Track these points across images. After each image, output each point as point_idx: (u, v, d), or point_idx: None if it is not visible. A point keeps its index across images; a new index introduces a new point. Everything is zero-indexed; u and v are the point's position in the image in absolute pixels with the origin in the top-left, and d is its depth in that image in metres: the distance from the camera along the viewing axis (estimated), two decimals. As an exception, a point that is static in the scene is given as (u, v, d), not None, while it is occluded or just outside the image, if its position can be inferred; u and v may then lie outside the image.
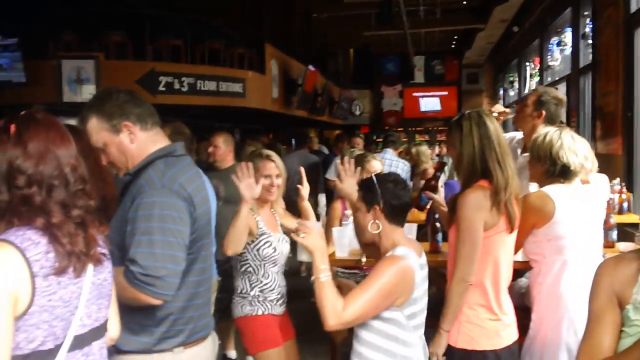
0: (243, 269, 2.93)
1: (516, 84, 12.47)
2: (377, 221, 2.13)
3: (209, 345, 2.06)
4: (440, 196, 2.98)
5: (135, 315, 1.81)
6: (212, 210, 2.20)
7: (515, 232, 2.43)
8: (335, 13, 11.77)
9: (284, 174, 3.07)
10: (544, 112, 3.33)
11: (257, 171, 2.86)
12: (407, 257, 2.05)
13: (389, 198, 2.12)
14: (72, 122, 1.93)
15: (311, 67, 11.21)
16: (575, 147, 2.60)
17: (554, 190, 2.56)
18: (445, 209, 2.83)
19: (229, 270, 3.24)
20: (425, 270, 2.19)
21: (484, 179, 2.36)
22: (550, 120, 3.31)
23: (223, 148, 4.18)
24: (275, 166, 3.01)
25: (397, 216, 2.16)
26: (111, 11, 8.06)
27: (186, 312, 1.93)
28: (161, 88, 7.59)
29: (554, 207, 2.52)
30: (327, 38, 14.10)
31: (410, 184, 6.48)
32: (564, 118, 3.47)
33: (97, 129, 1.91)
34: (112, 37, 7.87)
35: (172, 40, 8.24)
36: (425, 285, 2.17)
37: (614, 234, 3.63)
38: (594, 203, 2.71)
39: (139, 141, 1.92)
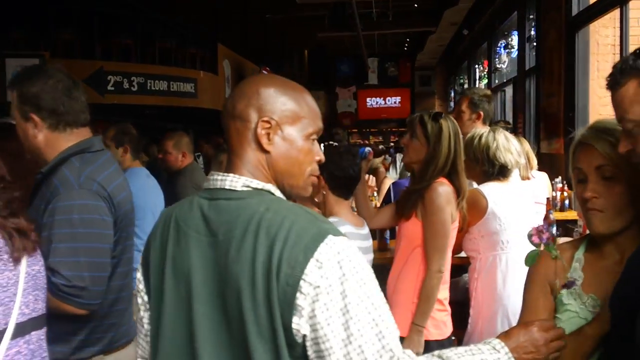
0: None
1: (466, 86, 12.74)
2: (322, 191, 2.17)
3: (131, 352, 1.89)
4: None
5: (50, 322, 1.71)
6: (135, 210, 2.07)
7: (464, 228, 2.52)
8: (290, 14, 11.77)
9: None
10: (481, 113, 3.43)
11: (221, 165, 2.79)
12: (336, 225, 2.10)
13: (332, 169, 2.15)
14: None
15: (265, 69, 11.20)
16: (509, 146, 2.70)
17: (487, 187, 2.65)
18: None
19: None
20: (366, 242, 2.24)
21: (445, 177, 2.42)
22: (487, 118, 3.42)
23: (174, 153, 4.08)
24: None
25: (339, 187, 2.21)
26: (60, 9, 7.87)
27: (107, 319, 1.81)
28: (110, 87, 7.46)
29: (487, 203, 2.61)
30: (282, 39, 14.10)
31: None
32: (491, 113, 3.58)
33: (13, 105, 1.77)
34: (61, 35, 7.69)
35: (122, 38, 8.10)
36: (367, 257, 2.21)
37: (554, 230, 3.77)
38: (529, 199, 2.81)
39: (44, 137, 1.76)
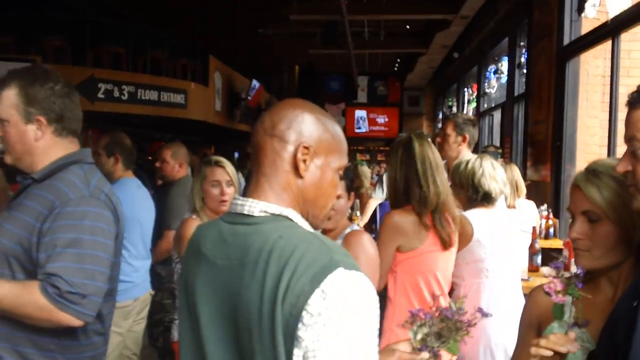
0: None
1: (454, 109, 12.85)
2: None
3: None
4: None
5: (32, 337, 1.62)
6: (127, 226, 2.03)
7: (453, 249, 2.51)
8: (282, 30, 11.83)
9: (236, 182, 2.81)
10: (467, 136, 3.46)
11: (205, 178, 2.72)
12: None
13: None
14: None
15: (255, 82, 11.21)
16: (495, 174, 2.73)
17: (473, 214, 2.67)
18: None
19: (172, 287, 3.10)
20: None
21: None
22: (472, 141, 3.46)
23: (171, 162, 4.05)
24: (225, 172, 2.75)
25: None
26: (52, 15, 7.84)
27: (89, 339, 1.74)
28: (100, 95, 7.41)
29: (472, 230, 2.63)
30: (273, 54, 14.14)
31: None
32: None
33: (9, 103, 1.70)
34: (52, 42, 7.65)
35: (113, 47, 8.07)
36: None
37: (539, 259, 3.80)
38: (514, 227, 2.83)
39: (45, 142, 1.71)
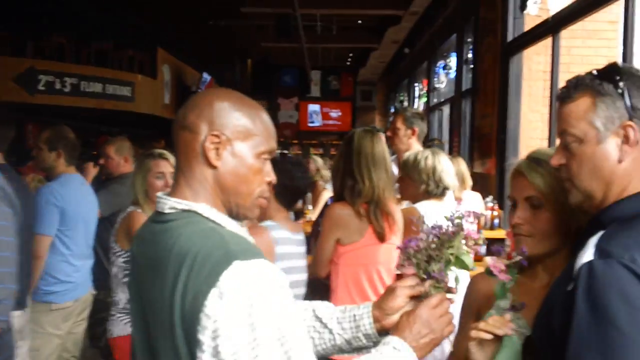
0: (127, 278, 2.76)
1: (406, 103, 12.97)
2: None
3: None
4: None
5: None
6: (67, 220, 1.93)
7: (393, 242, 2.53)
8: (234, 22, 11.68)
9: None
10: (416, 129, 3.51)
11: (149, 171, 2.71)
12: (270, 229, 2.15)
13: (283, 177, 2.15)
14: None
15: (206, 75, 11.06)
16: (448, 168, 2.79)
17: (423, 206, 2.72)
18: None
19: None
20: (300, 248, 2.27)
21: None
22: (422, 135, 3.52)
23: (116, 158, 3.94)
24: (169, 164, 2.76)
25: (284, 196, 2.23)
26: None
27: None
28: (40, 87, 7.17)
29: (423, 222, 2.66)
30: (225, 46, 13.97)
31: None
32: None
33: None
34: (-12, 31, 7.36)
35: (55, 37, 7.81)
36: (295, 263, 2.25)
37: (483, 249, 3.87)
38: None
39: None
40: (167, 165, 2.76)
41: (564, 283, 1.26)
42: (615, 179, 1.29)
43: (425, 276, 1.34)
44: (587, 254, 1.19)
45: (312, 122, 18.22)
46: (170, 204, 1.14)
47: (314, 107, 18.16)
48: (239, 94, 1.23)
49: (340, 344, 1.33)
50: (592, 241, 1.22)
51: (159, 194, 1.18)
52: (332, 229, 2.45)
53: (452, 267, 1.35)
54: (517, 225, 1.51)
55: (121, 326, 2.73)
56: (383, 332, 1.32)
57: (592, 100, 1.30)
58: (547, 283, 1.47)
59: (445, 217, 1.41)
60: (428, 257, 1.36)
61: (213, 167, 1.16)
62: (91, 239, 3.37)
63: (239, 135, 1.17)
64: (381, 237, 2.48)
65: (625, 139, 1.27)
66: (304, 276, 2.36)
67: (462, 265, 1.35)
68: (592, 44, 4.84)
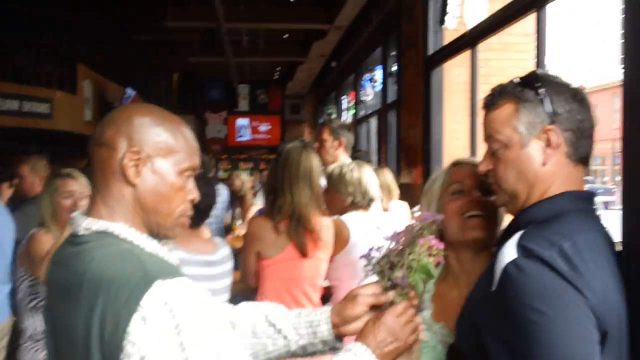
0: (34, 304, 2.63)
1: (335, 116, 13.10)
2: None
3: None
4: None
5: None
6: None
7: (318, 258, 2.54)
8: (158, 36, 11.47)
9: None
10: (343, 140, 3.56)
11: (57, 191, 2.62)
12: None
13: None
14: None
15: (130, 90, 10.78)
16: (373, 179, 2.85)
17: (349, 217, 2.75)
18: None
19: None
20: (209, 269, 2.23)
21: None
22: (349, 146, 3.57)
23: (29, 178, 3.75)
24: (77, 183, 2.67)
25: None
26: None
27: None
28: (-49, 105, 6.78)
29: (349, 233, 2.70)
30: (149, 61, 13.68)
31: (228, 213, 6.48)
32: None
33: None
34: None
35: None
36: (213, 284, 2.21)
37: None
38: (389, 229, 2.93)
39: None
40: (75, 185, 2.67)
41: (485, 284, 1.29)
42: (538, 181, 1.34)
43: (388, 284, 1.34)
44: (509, 254, 1.22)
45: (241, 137, 18.08)
46: (84, 224, 1.09)
47: (242, 122, 18.03)
48: (160, 109, 1.20)
49: (295, 350, 1.32)
50: (512, 242, 1.25)
51: (74, 214, 1.12)
52: (251, 243, 2.47)
53: (416, 275, 1.35)
54: (471, 209, 1.53)
55: (30, 355, 2.60)
56: (340, 338, 1.32)
57: (515, 107, 1.35)
58: (466, 293, 1.50)
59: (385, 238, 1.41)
60: (390, 264, 1.36)
61: (132, 184, 1.11)
62: (7, 264, 3.19)
63: (160, 151, 1.13)
64: (302, 253, 2.49)
65: (548, 143, 1.33)
66: (219, 299, 2.29)
67: (425, 272, 1.35)
68: (509, 56, 5.05)
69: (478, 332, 1.26)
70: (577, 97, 1.37)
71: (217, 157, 16.94)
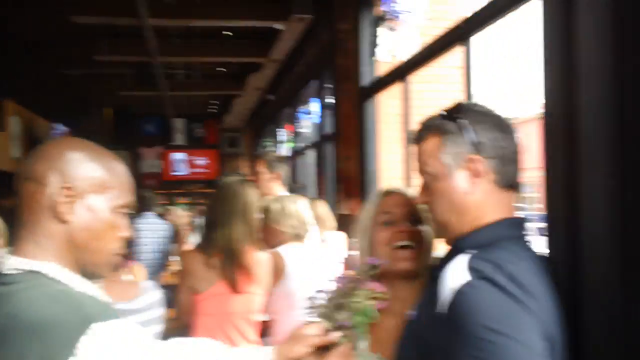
0: None
1: (273, 149, 13.10)
2: None
3: None
4: None
5: None
6: None
7: (251, 292, 2.52)
8: (89, 71, 11.22)
9: (5, 236, 2.61)
10: (278, 173, 3.57)
11: None
12: None
13: None
14: None
15: (60, 126, 10.46)
16: (307, 211, 2.87)
17: (285, 249, 2.75)
18: None
19: None
20: (132, 318, 2.17)
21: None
22: (284, 178, 3.59)
23: None
24: None
25: None
26: None
27: None
28: None
29: (285, 264, 2.70)
30: (80, 96, 13.34)
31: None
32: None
33: None
34: None
35: None
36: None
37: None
38: (324, 260, 2.95)
39: None
40: None
41: (430, 308, 1.30)
42: (467, 209, 1.37)
43: (333, 326, 1.35)
44: (460, 277, 1.23)
45: (178, 171, 17.80)
46: (10, 263, 1.03)
47: (178, 156, 17.77)
48: (93, 144, 1.17)
49: None
50: (460, 265, 1.27)
51: (0, 252, 1.06)
52: (183, 277, 2.44)
53: (359, 318, 1.37)
54: (400, 239, 1.55)
55: None
56: None
57: (439, 139, 1.39)
58: (401, 319, 1.51)
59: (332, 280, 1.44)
60: (335, 306, 1.38)
61: (64, 222, 1.08)
62: None
63: (93, 187, 1.11)
64: (233, 288, 2.46)
65: (472, 172, 1.36)
66: None
67: (368, 315, 1.38)
68: (441, 88, 5.20)
69: (428, 356, 1.27)
70: (500, 125, 1.42)
71: (154, 192, 16.59)
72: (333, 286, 1.42)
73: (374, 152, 5.39)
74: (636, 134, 1.40)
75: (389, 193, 1.64)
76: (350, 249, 4.87)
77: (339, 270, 3.63)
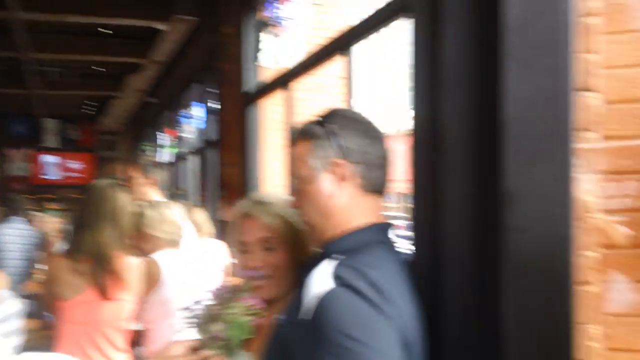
0: None
1: (154, 153, 12.70)
2: None
3: None
4: None
5: None
6: None
7: (121, 299, 2.43)
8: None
9: None
10: (153, 178, 3.50)
11: None
12: None
13: None
14: None
15: None
16: (183, 218, 2.83)
17: (160, 256, 2.69)
18: None
19: None
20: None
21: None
22: (160, 183, 3.52)
23: None
24: None
25: None
26: None
27: None
28: None
29: (160, 271, 2.63)
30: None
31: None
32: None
33: None
34: None
35: None
36: None
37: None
38: (201, 267, 2.91)
39: None
40: None
41: (294, 313, 1.31)
42: (332, 213, 1.41)
43: (207, 337, 1.33)
44: (324, 283, 1.26)
45: (49, 175, 16.74)
46: None
47: (50, 159, 16.72)
48: None
49: None
50: (325, 272, 1.29)
51: None
52: (48, 283, 2.30)
53: (234, 331, 1.36)
54: (254, 269, 1.54)
55: None
56: None
57: (309, 144, 1.42)
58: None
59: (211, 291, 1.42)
60: (210, 317, 1.36)
61: None
62: None
63: None
64: (102, 294, 2.37)
65: (338, 176, 1.40)
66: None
67: (243, 330, 1.37)
68: (323, 97, 5.31)
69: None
70: (368, 131, 1.47)
71: (22, 196, 15.47)
72: (211, 297, 1.40)
73: (256, 158, 5.39)
74: (490, 144, 1.52)
75: (245, 216, 1.61)
76: (230, 257, 4.84)
77: (218, 278, 3.60)
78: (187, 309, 1.38)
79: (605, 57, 1.55)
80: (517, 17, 1.49)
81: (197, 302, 1.39)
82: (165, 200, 2.93)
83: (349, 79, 3.71)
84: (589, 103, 1.54)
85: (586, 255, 1.49)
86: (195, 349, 1.36)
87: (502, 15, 1.50)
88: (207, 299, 1.41)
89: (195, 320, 1.39)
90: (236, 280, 4.28)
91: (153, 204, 2.83)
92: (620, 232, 1.51)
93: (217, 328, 1.35)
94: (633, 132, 1.54)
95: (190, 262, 2.83)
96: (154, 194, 3.45)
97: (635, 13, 1.55)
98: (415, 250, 1.74)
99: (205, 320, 1.38)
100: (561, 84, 1.46)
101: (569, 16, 1.48)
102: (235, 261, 4.88)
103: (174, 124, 10.09)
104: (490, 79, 1.55)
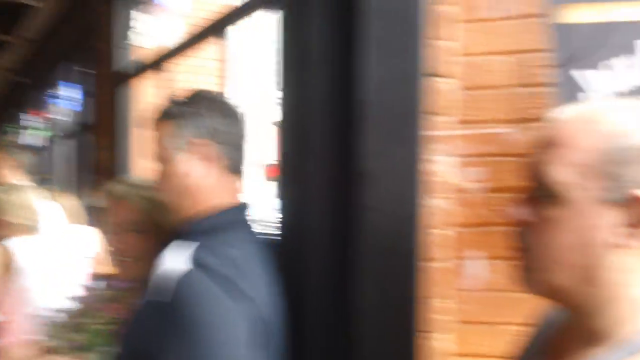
0: None
1: (23, 136, 11.88)
2: None
3: None
4: None
5: None
6: None
7: None
8: None
9: None
10: (14, 160, 3.33)
11: None
12: None
13: None
14: None
15: None
16: (42, 203, 2.71)
17: (15, 242, 2.57)
18: None
19: None
20: None
21: None
22: (23, 166, 3.37)
23: None
24: None
25: None
26: None
27: None
28: None
29: (13, 258, 2.53)
30: None
31: None
32: None
33: None
34: None
35: None
36: None
37: (103, 284, 3.77)
38: (65, 254, 2.81)
39: None
40: None
41: (154, 295, 1.29)
42: (194, 193, 1.40)
43: (64, 345, 1.29)
44: (179, 264, 1.25)
45: None
46: None
47: None
48: None
49: None
50: (182, 253, 1.28)
51: None
52: None
53: (95, 340, 1.33)
54: (121, 250, 1.55)
55: None
56: None
57: (171, 123, 1.41)
58: None
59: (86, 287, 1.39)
60: (71, 325, 1.32)
61: None
62: None
63: None
64: None
65: (196, 156, 1.40)
66: None
67: (103, 339, 1.35)
68: (200, 79, 5.21)
69: (149, 344, 1.26)
70: (230, 113, 1.47)
71: None
72: (73, 305, 1.38)
73: (128, 141, 5.19)
74: (350, 126, 1.55)
75: (114, 199, 1.61)
76: (102, 244, 4.64)
77: (87, 266, 3.45)
78: (47, 316, 1.34)
79: (463, 45, 1.63)
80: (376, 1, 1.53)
81: (60, 311, 1.37)
82: (24, 184, 2.76)
83: (224, 62, 3.65)
84: (443, 88, 1.61)
85: (435, 234, 1.57)
86: (47, 351, 1.33)
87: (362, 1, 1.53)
88: (70, 305, 1.38)
89: (53, 328, 1.36)
90: (107, 268, 4.16)
91: (7, 188, 2.67)
92: (474, 211, 1.60)
93: (78, 337, 1.34)
94: (488, 117, 1.63)
95: (51, 249, 2.70)
96: (16, 178, 3.26)
97: (492, 3, 1.64)
98: (281, 231, 1.76)
99: (67, 329, 1.35)
100: (412, 67, 1.52)
101: (420, 2, 1.53)
102: (108, 247, 4.71)
103: (42, 105, 9.49)
104: (353, 63, 1.58)
